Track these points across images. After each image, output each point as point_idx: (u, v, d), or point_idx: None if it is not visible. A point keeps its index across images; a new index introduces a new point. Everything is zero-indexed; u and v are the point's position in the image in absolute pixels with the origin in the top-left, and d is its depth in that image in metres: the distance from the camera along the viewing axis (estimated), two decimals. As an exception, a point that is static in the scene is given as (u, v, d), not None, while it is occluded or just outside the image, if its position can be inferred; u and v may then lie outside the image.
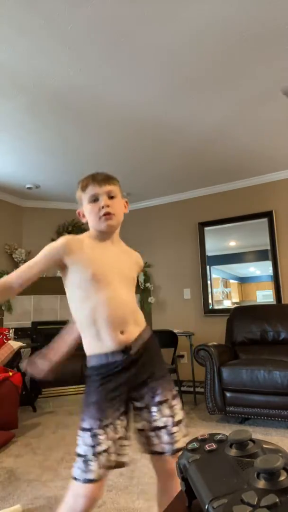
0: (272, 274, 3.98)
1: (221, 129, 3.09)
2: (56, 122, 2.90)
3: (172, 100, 2.65)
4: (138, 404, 1.18)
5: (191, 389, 3.80)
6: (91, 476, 1.05)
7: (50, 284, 4.34)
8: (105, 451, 1.08)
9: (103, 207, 1.19)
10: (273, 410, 2.76)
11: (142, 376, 1.17)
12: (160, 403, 1.15)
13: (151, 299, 4.53)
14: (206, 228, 4.43)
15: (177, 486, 1.10)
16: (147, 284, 4.52)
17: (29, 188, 4.23)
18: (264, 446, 0.54)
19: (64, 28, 1.97)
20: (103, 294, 1.15)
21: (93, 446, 1.08)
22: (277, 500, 0.41)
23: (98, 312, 1.15)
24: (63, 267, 1.18)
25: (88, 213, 1.23)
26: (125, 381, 1.15)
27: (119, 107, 2.71)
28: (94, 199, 1.21)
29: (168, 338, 3.55)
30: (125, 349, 1.14)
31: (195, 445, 0.57)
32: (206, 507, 0.44)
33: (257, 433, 2.70)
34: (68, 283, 1.20)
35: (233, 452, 0.53)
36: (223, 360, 3.09)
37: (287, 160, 3.74)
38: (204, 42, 2.10)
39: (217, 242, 4.37)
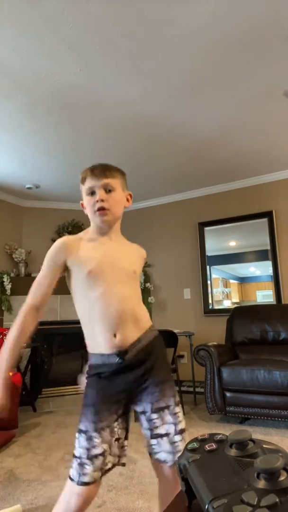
0: (272, 274, 3.98)
1: (221, 129, 3.09)
2: (56, 122, 2.90)
3: (172, 100, 2.65)
4: (137, 409, 1.15)
5: (191, 389, 3.80)
6: (86, 479, 1.05)
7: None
8: (101, 454, 1.07)
9: (97, 201, 1.16)
10: (273, 410, 2.76)
11: (142, 380, 1.13)
12: (161, 409, 1.11)
13: (151, 299, 4.53)
14: (206, 228, 4.43)
15: (177, 491, 1.10)
16: (147, 284, 4.51)
17: (29, 188, 4.23)
18: (264, 446, 0.54)
19: (64, 28, 1.97)
20: (99, 291, 1.12)
21: (88, 449, 1.07)
22: (277, 500, 0.41)
23: (93, 310, 1.13)
24: (65, 268, 1.18)
25: (86, 205, 1.21)
26: (124, 384, 1.12)
27: (119, 107, 2.71)
28: (91, 192, 1.18)
29: (168, 338, 3.54)
30: (119, 353, 1.11)
31: (195, 445, 0.57)
32: (206, 507, 0.44)
33: (257, 433, 2.70)
34: (71, 284, 1.19)
35: (233, 452, 0.53)
36: (223, 360, 3.09)
37: (287, 160, 3.74)
38: (204, 42, 2.10)
39: (217, 242, 4.37)
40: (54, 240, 4.54)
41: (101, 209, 1.16)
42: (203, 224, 4.44)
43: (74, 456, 1.09)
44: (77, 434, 1.10)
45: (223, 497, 0.44)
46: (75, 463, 1.08)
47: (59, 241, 1.18)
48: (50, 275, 1.16)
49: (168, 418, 1.10)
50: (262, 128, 3.09)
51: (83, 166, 1.31)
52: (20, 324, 1.15)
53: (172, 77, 2.40)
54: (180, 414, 1.13)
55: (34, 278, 1.18)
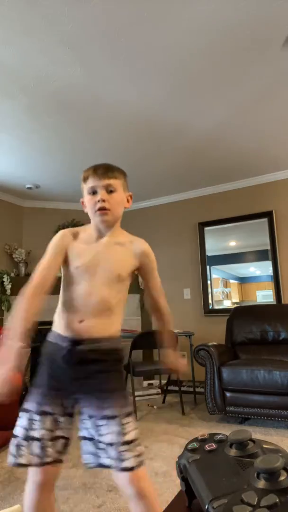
0: (272, 274, 3.98)
1: (221, 128, 3.09)
2: (56, 122, 2.90)
3: (172, 100, 2.65)
4: (84, 411, 1.13)
5: (191, 389, 3.80)
6: (21, 460, 1.07)
7: (50, 284, 4.34)
8: (38, 439, 1.07)
9: (98, 201, 1.18)
10: (273, 410, 2.76)
11: (91, 381, 1.12)
12: (108, 417, 1.07)
13: (151, 299, 4.52)
14: (206, 228, 4.43)
15: (148, 509, 1.03)
16: (147, 284, 4.51)
17: (29, 188, 4.23)
18: (264, 446, 0.54)
19: (64, 28, 1.97)
20: (82, 287, 1.16)
21: (27, 430, 1.09)
22: (277, 500, 0.41)
23: (72, 302, 1.17)
24: (66, 256, 1.21)
25: (86, 204, 1.24)
26: (70, 377, 1.12)
27: (119, 107, 2.71)
28: (93, 192, 1.20)
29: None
30: (73, 340, 1.13)
31: (195, 445, 0.58)
32: (206, 507, 0.44)
33: (257, 433, 2.70)
34: (64, 272, 1.23)
35: (233, 452, 0.53)
36: (223, 360, 3.09)
37: (287, 160, 3.74)
38: (204, 41, 2.10)
39: (217, 242, 4.37)
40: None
41: (102, 209, 1.18)
42: (203, 224, 4.43)
43: (13, 436, 1.11)
44: (20, 412, 1.14)
45: (223, 497, 0.44)
46: (11, 446, 1.09)
47: (63, 230, 1.24)
48: (53, 261, 1.18)
49: (115, 428, 1.06)
50: (262, 128, 3.09)
51: (83, 166, 1.32)
52: (27, 298, 1.12)
53: (172, 77, 2.40)
54: (129, 425, 1.07)
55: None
